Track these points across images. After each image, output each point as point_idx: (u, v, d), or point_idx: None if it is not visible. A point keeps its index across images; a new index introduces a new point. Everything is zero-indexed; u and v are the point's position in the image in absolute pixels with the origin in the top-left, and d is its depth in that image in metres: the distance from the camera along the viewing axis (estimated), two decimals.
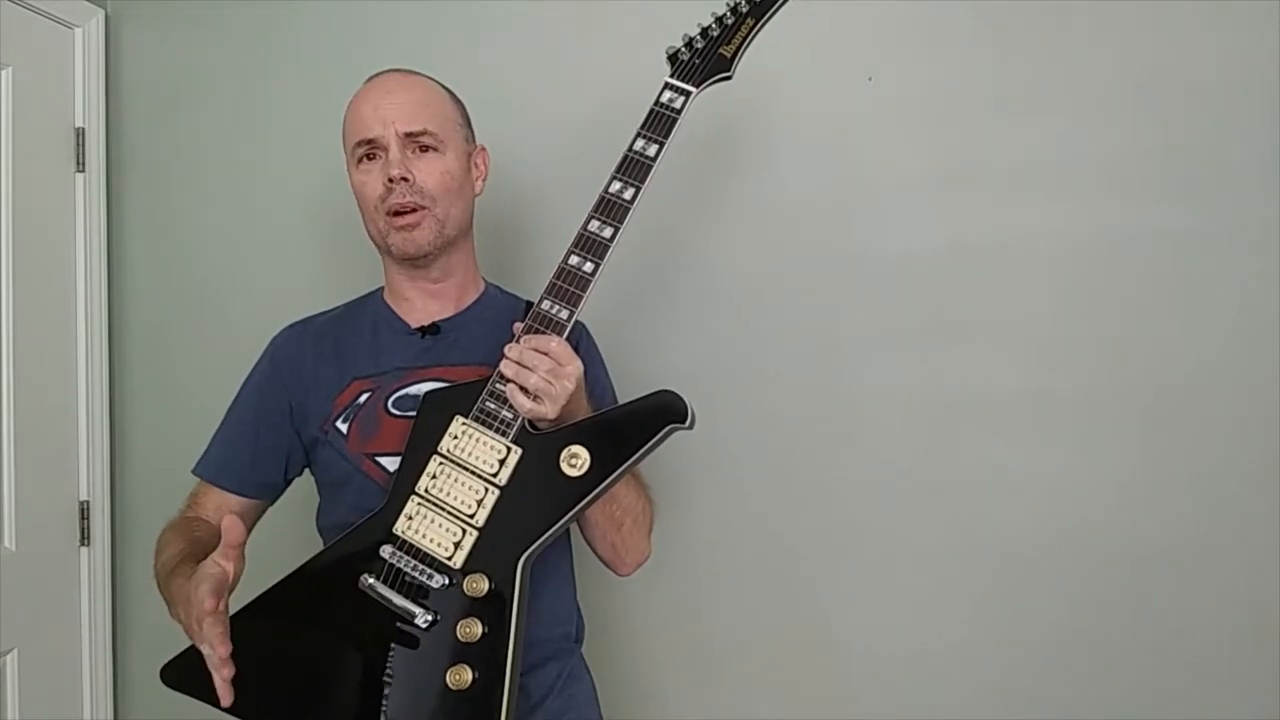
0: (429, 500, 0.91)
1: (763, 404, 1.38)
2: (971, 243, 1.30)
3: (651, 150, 0.95)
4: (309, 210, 1.55)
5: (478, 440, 0.91)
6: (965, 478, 1.33)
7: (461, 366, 1.01)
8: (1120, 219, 1.26)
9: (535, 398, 0.88)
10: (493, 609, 0.88)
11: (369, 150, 0.99)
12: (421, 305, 1.06)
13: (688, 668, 1.45)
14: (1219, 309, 1.24)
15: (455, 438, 0.91)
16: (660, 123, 0.96)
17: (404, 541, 0.90)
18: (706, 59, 0.98)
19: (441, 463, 0.91)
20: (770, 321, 1.38)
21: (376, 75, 1.04)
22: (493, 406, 0.91)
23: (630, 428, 0.89)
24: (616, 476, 0.89)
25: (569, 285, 0.92)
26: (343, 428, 0.99)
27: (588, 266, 0.92)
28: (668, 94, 0.97)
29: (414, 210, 0.98)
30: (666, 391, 0.88)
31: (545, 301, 0.92)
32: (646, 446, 0.88)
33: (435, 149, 1.00)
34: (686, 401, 0.87)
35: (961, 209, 1.31)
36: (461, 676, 0.86)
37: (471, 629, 0.87)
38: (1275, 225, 1.21)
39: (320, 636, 0.91)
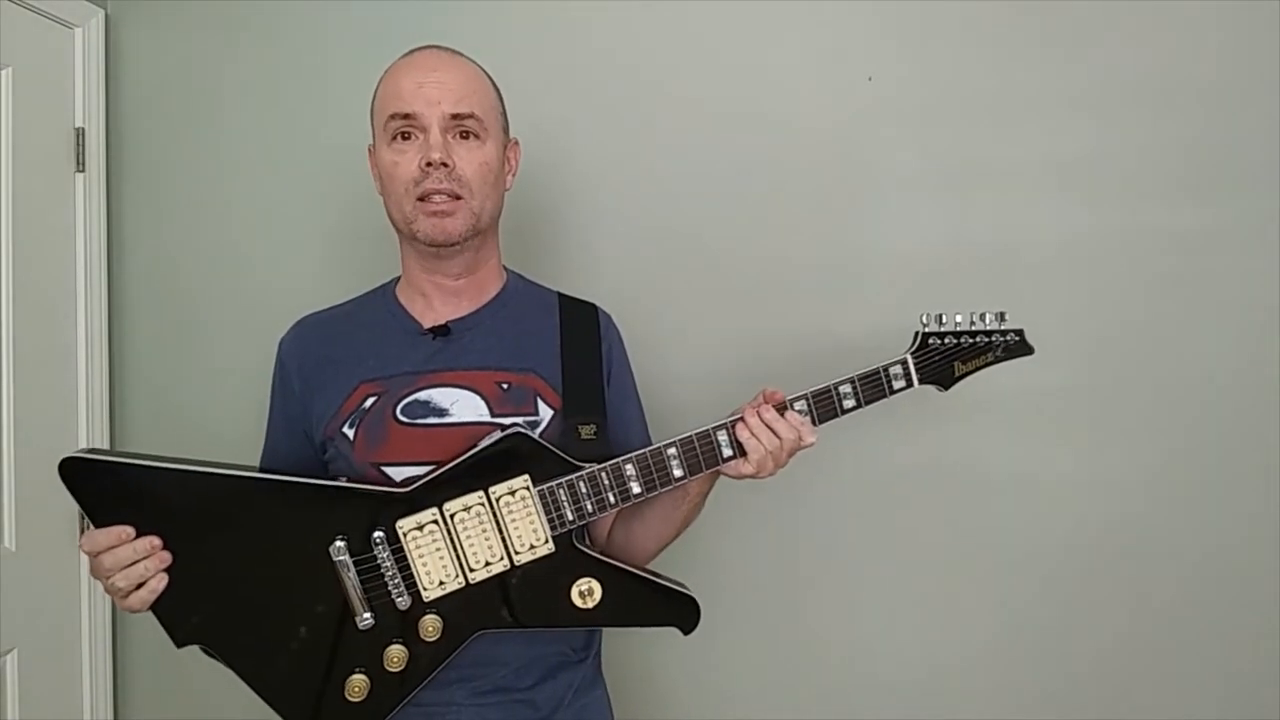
0: (448, 527, 0.88)
1: None
2: (972, 242, 1.31)
3: (849, 404, 0.96)
4: (310, 210, 1.55)
5: (527, 513, 0.89)
6: (968, 478, 1.33)
7: (474, 370, 0.96)
8: (1121, 218, 1.26)
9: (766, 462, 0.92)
10: (426, 653, 0.88)
11: (405, 127, 0.92)
12: (439, 302, 1.00)
13: (704, 677, 1.45)
14: (1221, 307, 1.24)
15: (511, 494, 0.89)
16: (873, 385, 0.97)
17: (400, 545, 0.87)
18: (941, 363, 0.99)
19: (483, 505, 0.88)
20: (771, 321, 1.38)
21: (418, 50, 0.97)
22: (562, 496, 0.90)
23: (650, 604, 0.93)
24: (602, 626, 0.97)
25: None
26: (349, 433, 0.94)
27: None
28: (897, 369, 0.98)
29: (450, 198, 0.92)
30: (695, 602, 0.94)
31: (723, 433, 0.93)
32: (647, 625, 0.94)
33: (477, 136, 0.94)
34: (699, 621, 0.93)
35: (962, 209, 1.32)
36: (359, 687, 0.86)
37: (398, 657, 0.87)
38: (1277, 224, 1.21)
39: (263, 556, 0.87)
